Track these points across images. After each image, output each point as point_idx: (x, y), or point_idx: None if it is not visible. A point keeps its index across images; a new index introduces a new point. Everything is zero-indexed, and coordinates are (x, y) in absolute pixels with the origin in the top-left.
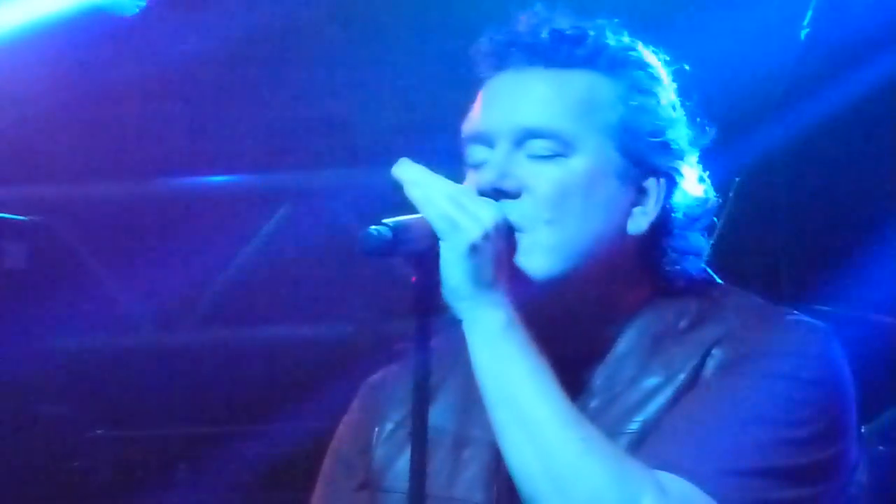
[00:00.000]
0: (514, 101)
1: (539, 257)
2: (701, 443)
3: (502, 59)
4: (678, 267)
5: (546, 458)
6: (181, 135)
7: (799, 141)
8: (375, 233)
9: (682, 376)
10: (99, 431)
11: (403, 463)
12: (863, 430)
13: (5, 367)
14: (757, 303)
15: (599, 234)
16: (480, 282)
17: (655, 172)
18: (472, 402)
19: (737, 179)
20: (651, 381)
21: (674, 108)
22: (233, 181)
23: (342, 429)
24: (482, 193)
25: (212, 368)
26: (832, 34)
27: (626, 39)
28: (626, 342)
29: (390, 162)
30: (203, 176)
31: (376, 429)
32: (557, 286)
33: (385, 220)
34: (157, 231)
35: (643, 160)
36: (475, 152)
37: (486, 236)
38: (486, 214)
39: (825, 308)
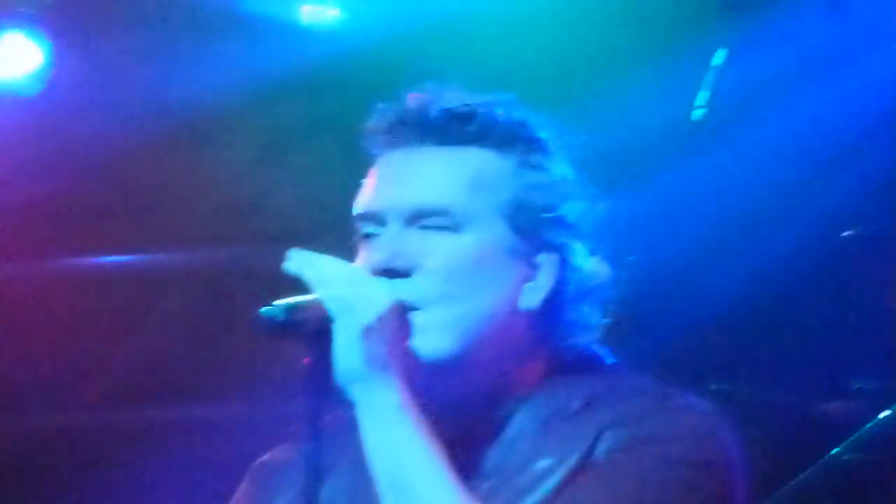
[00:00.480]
0: (404, 179)
1: (432, 336)
2: None
3: (393, 137)
4: (570, 342)
5: None
6: (83, 214)
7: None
8: (267, 314)
9: (574, 458)
10: None
11: None
12: None
13: None
14: (649, 385)
15: (491, 310)
16: (373, 364)
17: (548, 247)
18: (362, 483)
19: (631, 258)
20: (543, 464)
21: (566, 181)
22: (127, 261)
23: None
24: (375, 274)
25: (105, 449)
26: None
27: (517, 114)
28: (517, 424)
29: (291, 241)
30: (99, 256)
31: None
32: (451, 365)
33: (278, 301)
34: (53, 313)
35: (535, 236)
36: (365, 227)
37: (381, 318)
38: (381, 297)
39: (721, 386)
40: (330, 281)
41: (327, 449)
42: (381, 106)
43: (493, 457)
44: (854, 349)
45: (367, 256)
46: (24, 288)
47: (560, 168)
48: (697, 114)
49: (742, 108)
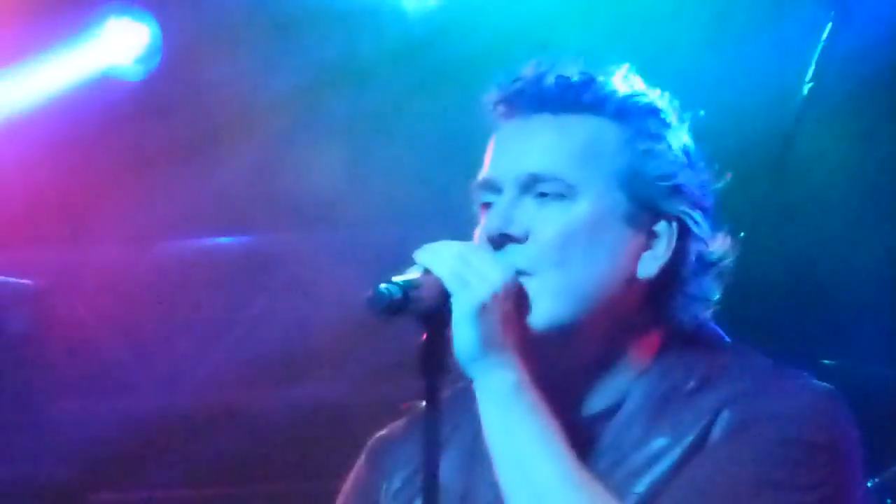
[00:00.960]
0: (519, 147)
1: (546, 303)
2: None
3: (510, 108)
4: (688, 314)
5: None
6: (183, 198)
7: (803, 191)
8: (385, 291)
9: (689, 438)
10: (103, 495)
11: None
12: (870, 485)
13: (9, 432)
14: (765, 364)
15: (606, 278)
16: (490, 342)
17: (666, 216)
18: (477, 459)
19: (742, 234)
20: (658, 443)
21: (686, 152)
22: (233, 243)
23: (348, 486)
24: (489, 239)
25: (215, 431)
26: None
27: (635, 85)
28: (633, 401)
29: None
30: (204, 238)
31: (384, 486)
32: (566, 333)
33: (394, 279)
34: (160, 295)
35: (653, 204)
36: (484, 197)
37: (495, 295)
38: (495, 273)
39: (831, 362)
40: (446, 258)
41: (442, 424)
42: (498, 78)
43: (609, 434)
44: None
45: (483, 224)
46: (131, 272)
47: (678, 139)
48: (806, 88)
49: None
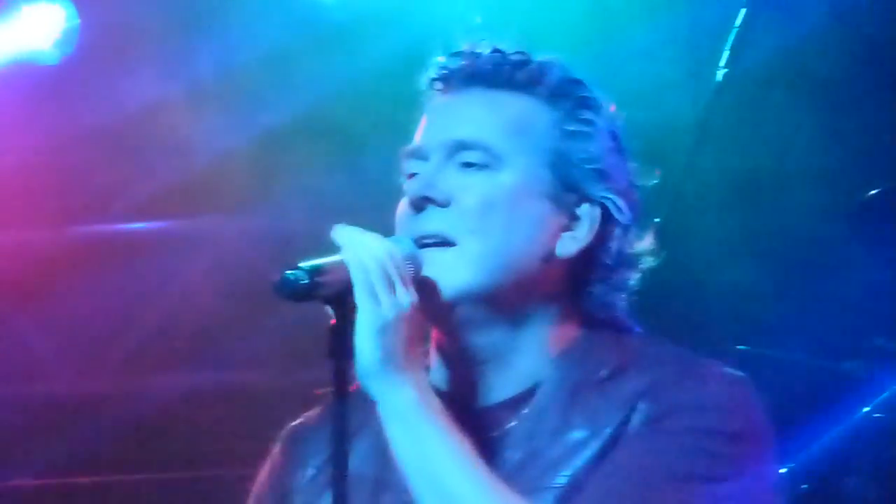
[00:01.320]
0: (449, 117)
1: (464, 270)
2: (629, 500)
3: (445, 82)
4: (605, 301)
5: None
6: (99, 182)
7: (724, 180)
8: (292, 276)
9: (608, 430)
10: (15, 481)
11: None
12: (784, 471)
13: None
14: (678, 353)
15: (524, 251)
16: (390, 361)
17: (590, 199)
18: (388, 446)
19: (657, 220)
20: (575, 435)
21: (614, 140)
22: (150, 227)
23: (262, 475)
24: (411, 202)
25: (130, 416)
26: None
27: (571, 72)
28: (546, 390)
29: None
30: (121, 223)
31: (297, 474)
32: (480, 300)
33: (301, 264)
34: (75, 278)
35: (577, 186)
36: (411, 166)
37: (402, 316)
38: (406, 295)
39: (745, 348)
40: (367, 265)
41: (354, 412)
42: (435, 58)
43: (523, 423)
44: (874, 309)
45: (406, 189)
46: (45, 255)
47: (607, 126)
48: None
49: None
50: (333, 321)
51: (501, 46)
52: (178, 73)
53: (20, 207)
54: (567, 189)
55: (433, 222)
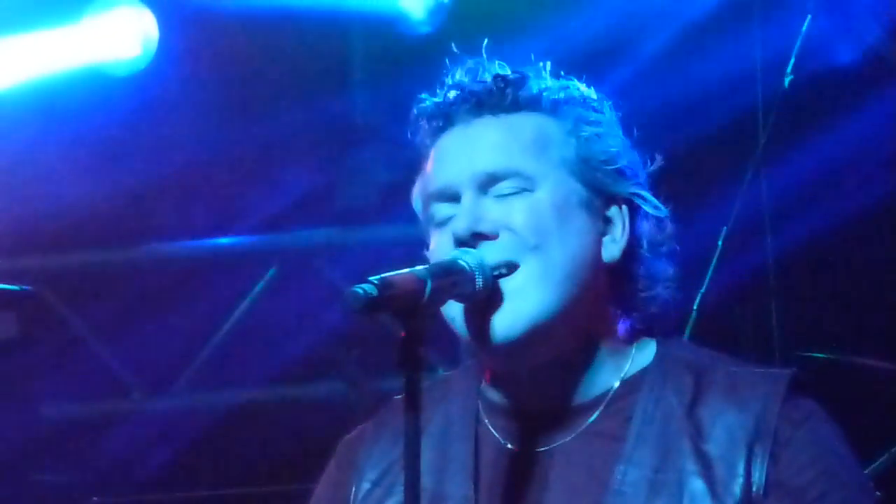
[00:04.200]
0: (470, 150)
1: (535, 289)
2: None
3: (448, 118)
4: (651, 293)
5: None
6: (168, 200)
7: (788, 188)
8: (361, 291)
9: (736, 494)
10: (95, 499)
11: None
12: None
13: (1, 435)
14: (749, 371)
15: (580, 260)
16: None
17: (616, 200)
18: (447, 458)
19: (724, 228)
20: (694, 485)
21: (622, 134)
22: (220, 244)
23: (320, 488)
24: (458, 241)
25: (206, 431)
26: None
27: (564, 78)
28: (637, 419)
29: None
30: (191, 240)
31: (353, 488)
32: (557, 317)
33: (370, 278)
34: (147, 296)
35: (603, 189)
36: (440, 210)
37: None
38: None
39: (818, 355)
40: None
41: (423, 421)
42: (423, 95)
43: (617, 466)
44: None
45: (446, 234)
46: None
47: (613, 124)
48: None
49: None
50: (403, 333)
51: (495, 68)
52: None
53: (93, 226)
54: (595, 193)
55: (492, 254)
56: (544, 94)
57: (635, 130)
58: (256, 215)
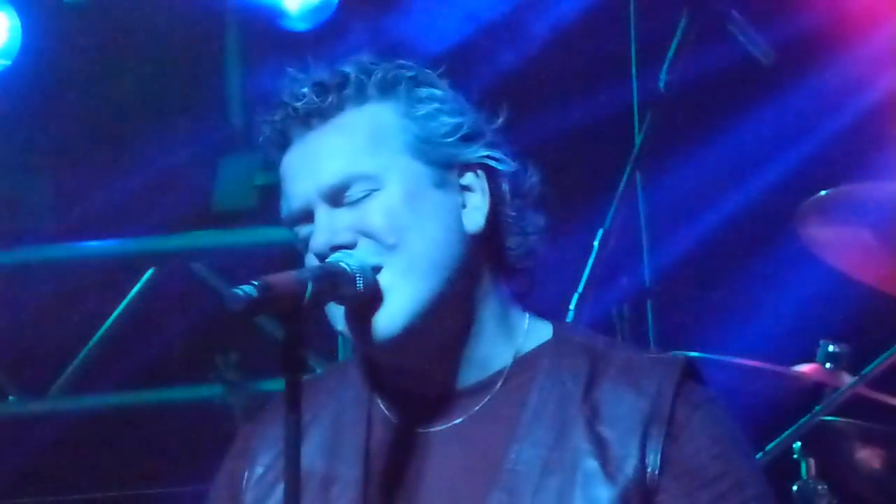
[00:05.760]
0: (309, 166)
1: (404, 286)
2: None
3: (284, 135)
4: (524, 248)
5: None
6: (47, 203)
7: (664, 190)
8: (241, 293)
9: (628, 473)
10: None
11: (274, 502)
12: None
13: None
14: (644, 357)
15: (442, 240)
16: None
17: (469, 167)
18: (338, 442)
19: (601, 230)
20: (588, 464)
21: (459, 101)
22: (98, 246)
23: (218, 475)
24: (319, 257)
25: (84, 434)
26: None
27: (384, 63)
28: (532, 404)
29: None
30: (69, 242)
31: (246, 473)
32: (435, 304)
33: (252, 281)
34: (24, 298)
35: (452, 161)
36: (301, 231)
37: None
38: None
39: (691, 353)
40: None
41: (306, 406)
42: (258, 116)
43: (511, 448)
44: (826, 315)
45: (310, 254)
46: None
47: (446, 93)
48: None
49: None
50: (284, 335)
51: (315, 74)
52: None
53: None
54: (444, 168)
55: (352, 261)
56: (369, 84)
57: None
58: (135, 218)
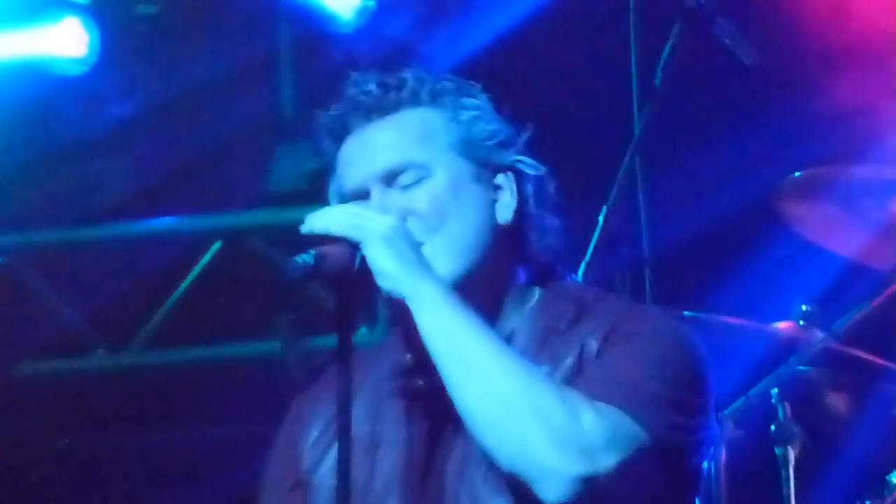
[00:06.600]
0: (368, 153)
1: (444, 261)
2: (613, 386)
3: (346, 126)
4: (543, 244)
5: (499, 391)
6: (126, 183)
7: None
8: (300, 261)
9: (567, 362)
10: (63, 442)
11: (329, 463)
12: (721, 415)
13: None
14: (627, 302)
15: (478, 229)
16: (407, 262)
17: (502, 169)
18: (381, 407)
19: (605, 207)
20: (542, 370)
21: (494, 114)
22: (173, 222)
23: (278, 439)
24: None
25: (166, 381)
26: None
27: (434, 75)
28: (520, 340)
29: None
30: (147, 218)
31: (303, 437)
32: (469, 281)
33: (308, 250)
34: (112, 267)
35: (488, 162)
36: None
37: (392, 228)
38: (383, 217)
39: (687, 313)
40: (338, 218)
41: (356, 379)
42: (321, 111)
43: None
44: (800, 279)
45: None
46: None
47: (485, 106)
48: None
49: None
50: (337, 297)
51: (382, 77)
52: None
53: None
54: (483, 167)
55: None
56: (423, 90)
57: (507, 108)
58: (204, 197)
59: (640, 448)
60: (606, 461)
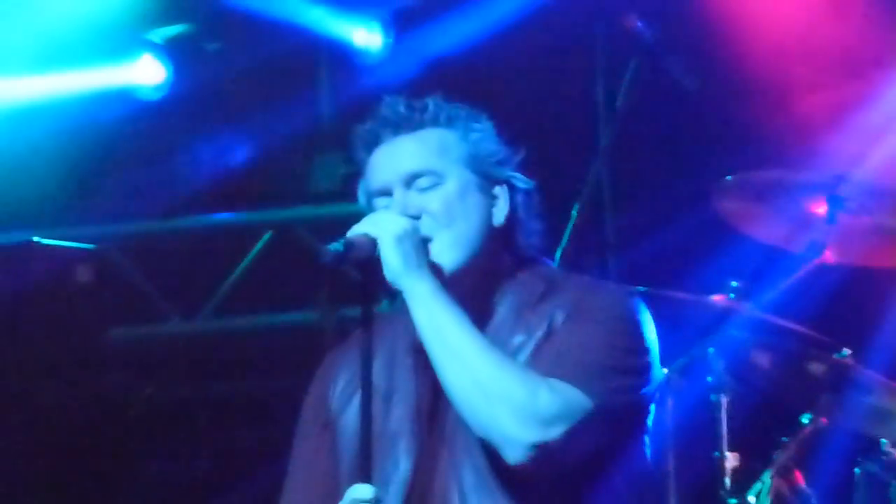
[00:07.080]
0: (395, 159)
1: (449, 253)
2: (566, 364)
3: (378, 137)
4: (528, 242)
5: (473, 373)
6: (196, 184)
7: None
8: (332, 248)
9: (538, 333)
10: (146, 392)
11: (353, 408)
12: (667, 371)
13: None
14: (584, 279)
15: (478, 228)
16: (410, 263)
17: (500, 182)
18: (395, 364)
19: (577, 204)
20: (517, 339)
21: (495, 137)
22: (233, 216)
23: (311, 388)
24: None
25: (223, 347)
26: None
27: (451, 103)
28: (500, 314)
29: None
30: (213, 213)
31: (332, 387)
32: (467, 269)
33: (339, 239)
34: (185, 252)
35: (489, 175)
36: (380, 203)
37: (405, 231)
38: (400, 219)
39: (642, 288)
40: (368, 221)
41: (375, 341)
42: (361, 124)
43: (488, 335)
44: (731, 260)
45: None
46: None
47: (489, 129)
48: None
49: None
50: (361, 279)
51: (409, 101)
52: None
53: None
54: (485, 179)
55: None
56: (441, 113)
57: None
58: (258, 195)
59: (587, 415)
60: (556, 430)
